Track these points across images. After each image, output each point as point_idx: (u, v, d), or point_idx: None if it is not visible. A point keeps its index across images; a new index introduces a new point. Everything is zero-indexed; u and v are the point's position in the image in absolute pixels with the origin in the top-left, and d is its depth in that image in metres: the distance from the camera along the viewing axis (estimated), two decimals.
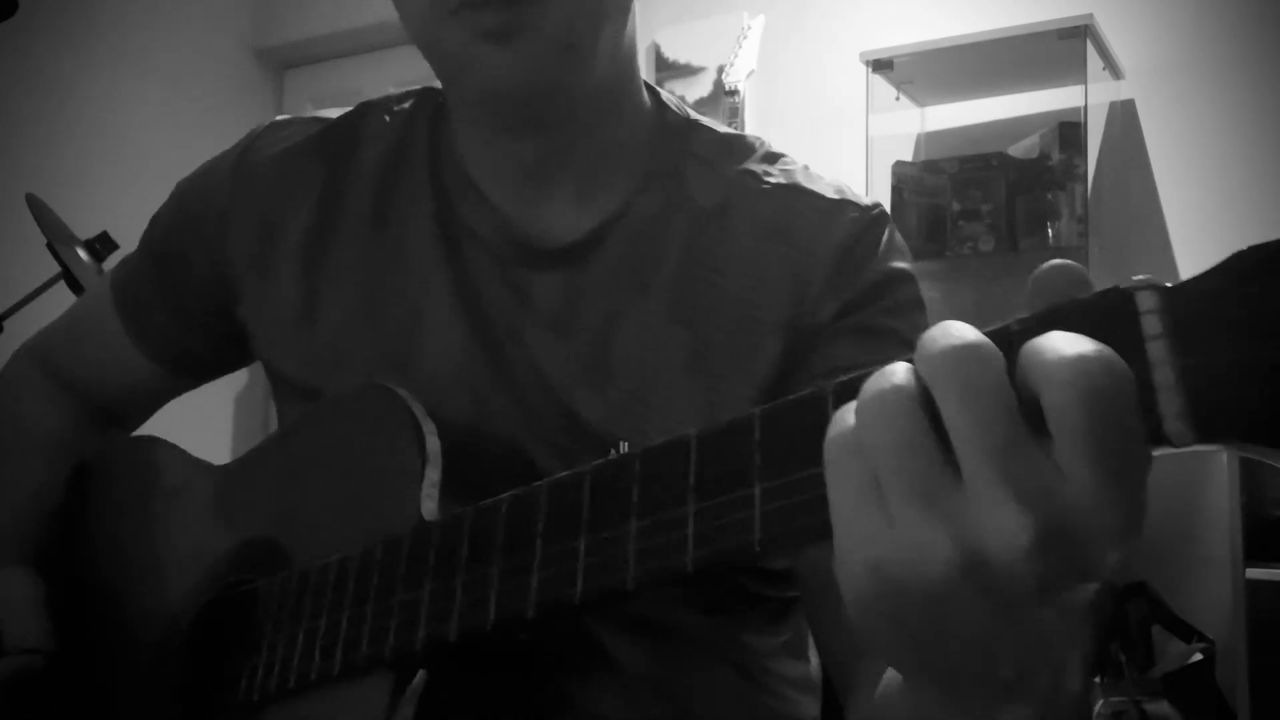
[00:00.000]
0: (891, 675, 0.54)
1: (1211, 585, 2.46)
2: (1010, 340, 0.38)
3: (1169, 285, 0.37)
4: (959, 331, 0.38)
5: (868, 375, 0.40)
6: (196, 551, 0.82)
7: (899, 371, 0.39)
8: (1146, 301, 0.37)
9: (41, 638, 0.86)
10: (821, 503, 0.41)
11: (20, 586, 0.89)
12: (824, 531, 0.41)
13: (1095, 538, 0.36)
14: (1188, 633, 2.44)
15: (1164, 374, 0.36)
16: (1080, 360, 0.35)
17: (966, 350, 0.37)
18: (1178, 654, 2.42)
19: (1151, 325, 0.37)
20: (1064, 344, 0.36)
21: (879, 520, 0.38)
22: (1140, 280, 0.37)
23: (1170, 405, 0.36)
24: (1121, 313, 0.37)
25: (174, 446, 0.93)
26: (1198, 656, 2.41)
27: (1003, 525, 0.36)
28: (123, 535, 0.91)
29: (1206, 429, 0.36)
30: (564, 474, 0.56)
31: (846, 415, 0.40)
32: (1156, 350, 0.36)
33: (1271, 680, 2.31)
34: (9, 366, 1.03)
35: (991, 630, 0.38)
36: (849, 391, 0.42)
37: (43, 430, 0.98)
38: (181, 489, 0.89)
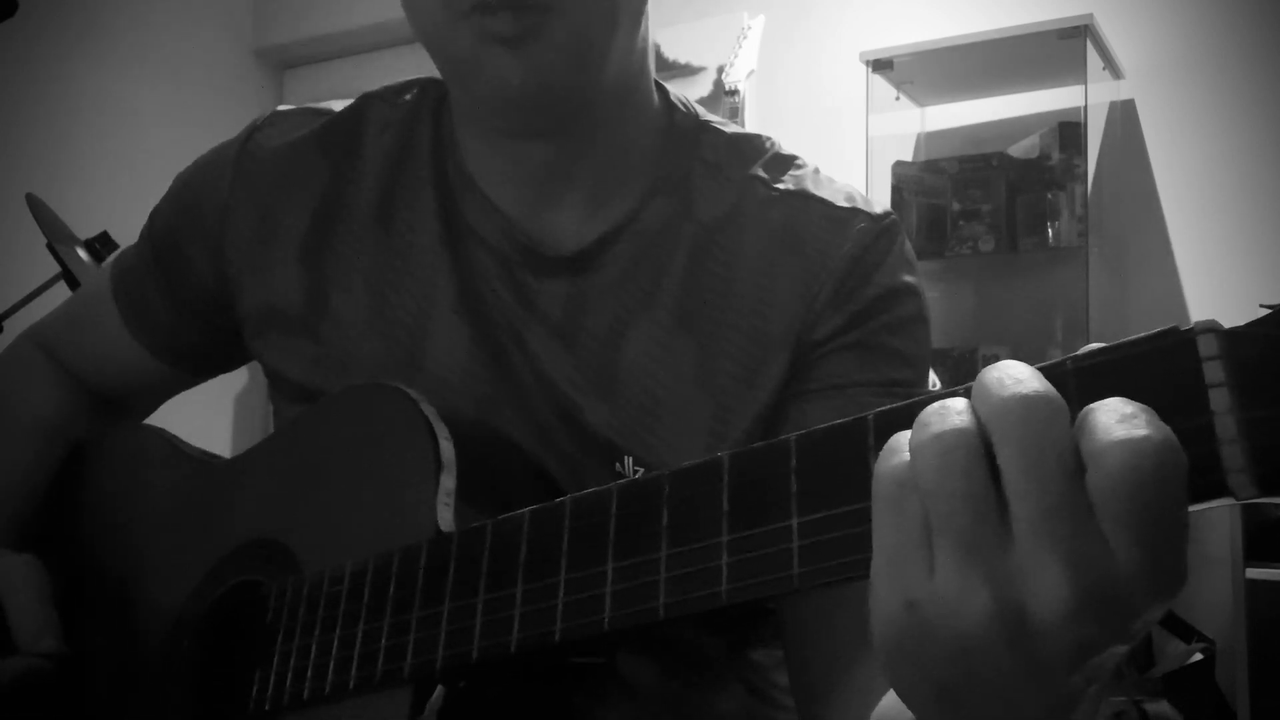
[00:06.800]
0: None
1: (1211, 585, 2.46)
2: (1065, 380, 0.38)
3: (1232, 330, 0.36)
4: (1025, 377, 0.37)
5: (913, 405, 0.39)
6: (198, 548, 0.79)
7: (959, 410, 0.38)
8: (1209, 346, 0.36)
9: (54, 640, 0.83)
10: (863, 540, 0.40)
11: (27, 577, 0.85)
12: (866, 570, 0.40)
13: (1134, 607, 0.36)
14: (1188, 633, 2.45)
15: (1226, 425, 0.35)
16: (1130, 446, 0.34)
17: (1034, 403, 0.36)
18: (1178, 654, 2.42)
19: (1214, 372, 0.35)
20: (1115, 424, 0.35)
21: (922, 562, 0.38)
22: (1202, 323, 0.36)
23: (1233, 459, 0.35)
24: (1182, 358, 0.36)
25: (174, 438, 0.90)
26: (1198, 656, 2.41)
27: (1047, 588, 0.35)
28: (120, 526, 0.89)
29: (1270, 484, 0.35)
30: (587, 492, 0.54)
31: (900, 449, 0.39)
32: (1219, 399, 0.35)
33: (1271, 680, 2.31)
34: (10, 348, 1.00)
35: (1017, 686, 0.38)
36: (891, 421, 0.41)
37: (40, 411, 0.95)
38: (182, 482, 0.86)
